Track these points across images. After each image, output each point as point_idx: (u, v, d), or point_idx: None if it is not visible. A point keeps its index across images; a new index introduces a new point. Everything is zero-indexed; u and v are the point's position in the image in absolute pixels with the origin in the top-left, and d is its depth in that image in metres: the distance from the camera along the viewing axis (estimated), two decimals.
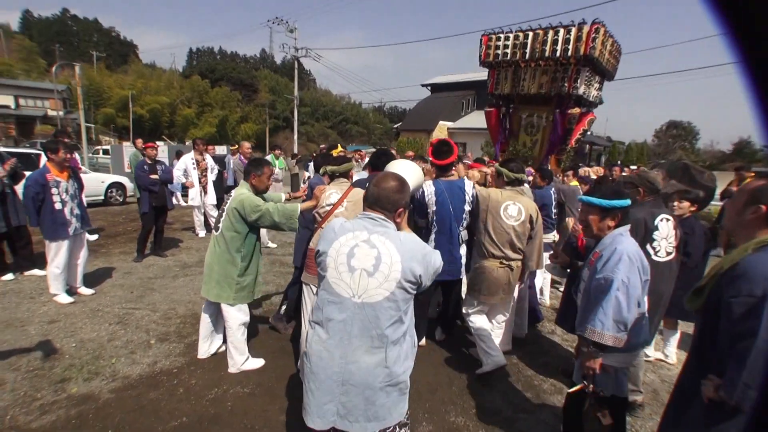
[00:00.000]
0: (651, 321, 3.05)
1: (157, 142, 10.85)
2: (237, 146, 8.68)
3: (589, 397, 2.32)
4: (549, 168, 7.11)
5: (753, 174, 7.41)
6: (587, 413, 2.40)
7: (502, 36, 7.65)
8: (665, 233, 3.28)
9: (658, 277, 2.97)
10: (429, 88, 36.48)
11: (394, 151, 5.07)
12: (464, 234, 3.81)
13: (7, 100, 39.88)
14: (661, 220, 3.29)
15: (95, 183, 11.36)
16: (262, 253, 6.89)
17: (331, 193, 3.23)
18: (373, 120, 64.27)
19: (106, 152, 22.64)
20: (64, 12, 73.84)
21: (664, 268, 3.27)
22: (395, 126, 40.20)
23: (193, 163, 7.81)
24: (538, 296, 5.31)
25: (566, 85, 7.23)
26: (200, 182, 7.93)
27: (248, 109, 53.87)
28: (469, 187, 3.70)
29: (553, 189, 5.33)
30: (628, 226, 2.26)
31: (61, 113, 36.39)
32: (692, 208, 3.83)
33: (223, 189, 8.12)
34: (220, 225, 3.36)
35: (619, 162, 19.72)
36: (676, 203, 3.79)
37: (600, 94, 8.36)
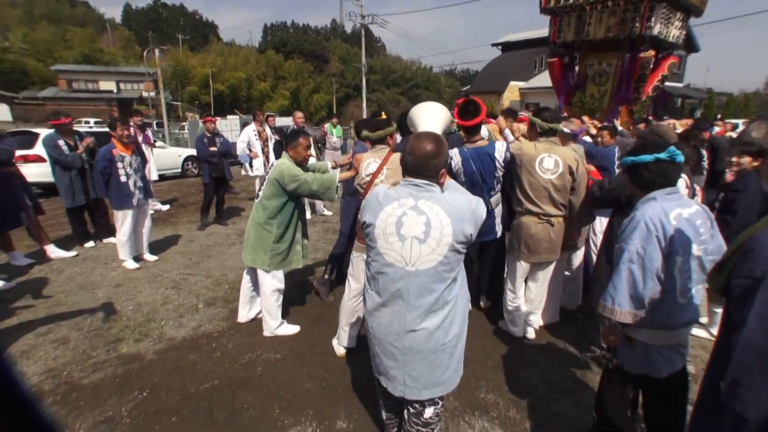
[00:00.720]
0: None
1: (222, 117, 11.04)
2: (267, 116, 8.60)
3: (611, 371, 2.09)
4: (616, 123, 6.46)
5: None
6: (614, 389, 2.16)
7: None
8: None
9: None
10: (500, 47, 34.61)
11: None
12: (495, 199, 3.59)
13: (110, 85, 45.08)
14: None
15: (173, 157, 12.17)
16: (318, 220, 7.01)
17: (369, 162, 3.09)
18: (444, 84, 62.52)
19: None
20: (156, 1, 79.59)
21: None
22: (464, 89, 38.77)
23: (255, 135, 8.02)
24: None
25: (638, 25, 6.38)
26: (263, 152, 8.16)
27: (320, 80, 54.67)
28: (501, 151, 3.41)
29: (617, 148, 4.78)
30: (668, 189, 1.88)
31: (152, 93, 39.37)
32: (755, 163, 3.27)
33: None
34: (260, 193, 3.47)
35: (718, 116, 17.25)
36: (735, 158, 3.29)
37: (682, 34, 7.29)
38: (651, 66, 6.97)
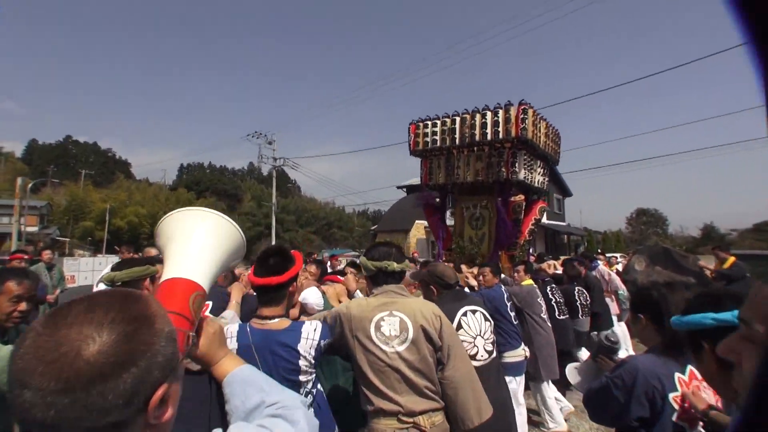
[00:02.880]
0: None
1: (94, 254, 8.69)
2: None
3: None
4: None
5: (732, 256, 6.55)
6: None
7: (429, 123, 7.00)
8: (475, 329, 2.62)
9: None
10: (405, 189, 36.84)
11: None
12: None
13: None
14: (464, 314, 2.64)
15: None
16: None
17: None
18: (357, 223, 64.61)
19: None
20: (67, 138, 78.91)
21: (486, 372, 2.54)
22: (372, 228, 40.05)
23: None
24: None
25: (504, 170, 6.41)
26: None
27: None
28: (309, 339, 1.97)
29: (503, 288, 4.17)
30: None
31: (34, 228, 36.07)
32: None
33: None
34: None
35: (599, 250, 18.80)
36: None
37: (545, 180, 7.55)
38: (522, 210, 6.94)
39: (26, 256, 6.24)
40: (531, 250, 8.62)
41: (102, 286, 6.12)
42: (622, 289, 6.90)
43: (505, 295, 3.98)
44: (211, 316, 1.19)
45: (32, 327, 0.59)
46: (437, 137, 6.93)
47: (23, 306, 2.18)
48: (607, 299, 6.40)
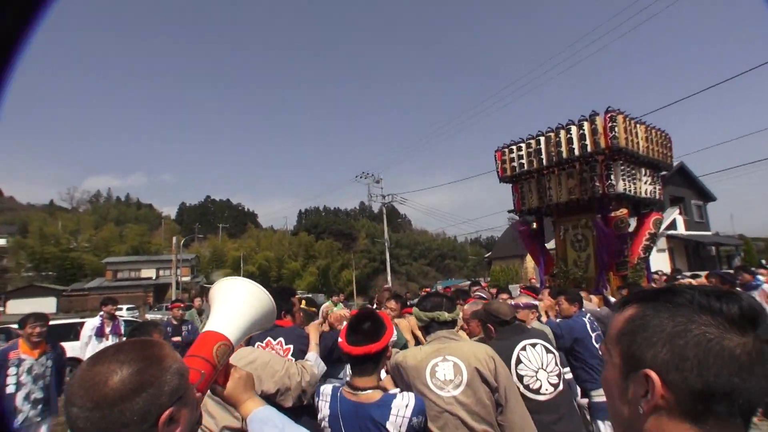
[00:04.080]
0: None
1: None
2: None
3: None
4: (606, 293, 5.59)
5: None
6: None
7: (514, 147, 6.81)
8: (536, 362, 2.51)
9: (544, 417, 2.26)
10: (517, 213, 35.58)
11: (483, 283, 3.97)
12: None
13: (151, 272, 47.55)
14: (523, 349, 2.54)
15: None
16: None
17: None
18: (470, 252, 63.50)
19: None
20: (207, 198, 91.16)
21: (552, 406, 2.41)
22: (486, 255, 38.95)
23: None
24: None
25: (598, 184, 5.95)
26: None
27: (348, 256, 56.65)
28: (400, 416, 1.83)
29: (588, 317, 3.89)
30: None
31: (187, 278, 41.14)
32: None
33: None
34: None
35: (763, 261, 15.42)
36: None
37: (659, 189, 6.80)
38: (628, 225, 6.33)
39: (182, 304, 7.31)
40: (662, 269, 7.68)
41: None
42: None
43: (588, 325, 3.67)
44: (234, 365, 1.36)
45: (81, 364, 0.85)
46: (524, 160, 6.72)
47: None
48: None
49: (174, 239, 31.94)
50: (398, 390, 1.94)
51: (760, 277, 5.92)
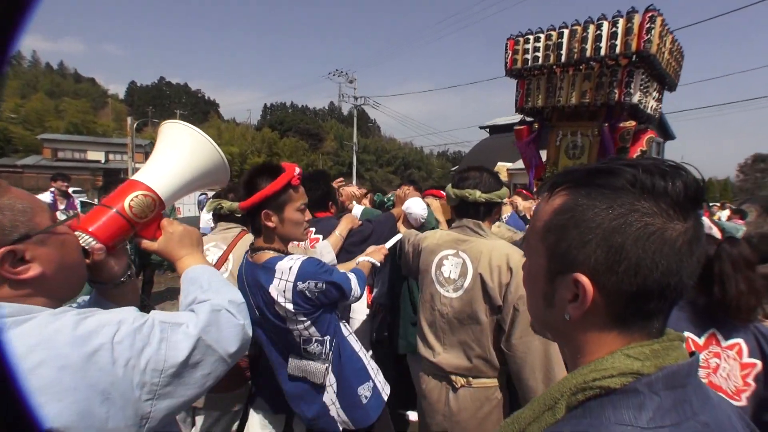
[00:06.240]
0: None
1: None
2: None
3: None
4: None
5: None
6: None
7: (531, 38, 6.25)
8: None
9: None
10: (487, 130, 35.41)
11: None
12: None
13: (99, 155, 45.22)
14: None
15: None
16: None
17: (208, 247, 2.21)
18: (436, 164, 63.86)
19: None
20: (161, 80, 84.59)
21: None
22: (453, 168, 39.35)
23: None
24: None
25: (616, 91, 5.63)
26: None
27: (314, 157, 55.66)
28: (284, 271, 1.52)
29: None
30: None
31: (141, 164, 39.56)
32: None
33: None
34: None
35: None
36: None
37: (660, 107, 6.60)
38: (631, 138, 6.16)
39: None
40: None
41: (208, 215, 6.50)
42: None
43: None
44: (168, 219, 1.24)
45: None
46: (539, 53, 6.18)
47: None
48: None
49: (129, 120, 29.55)
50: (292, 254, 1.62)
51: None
